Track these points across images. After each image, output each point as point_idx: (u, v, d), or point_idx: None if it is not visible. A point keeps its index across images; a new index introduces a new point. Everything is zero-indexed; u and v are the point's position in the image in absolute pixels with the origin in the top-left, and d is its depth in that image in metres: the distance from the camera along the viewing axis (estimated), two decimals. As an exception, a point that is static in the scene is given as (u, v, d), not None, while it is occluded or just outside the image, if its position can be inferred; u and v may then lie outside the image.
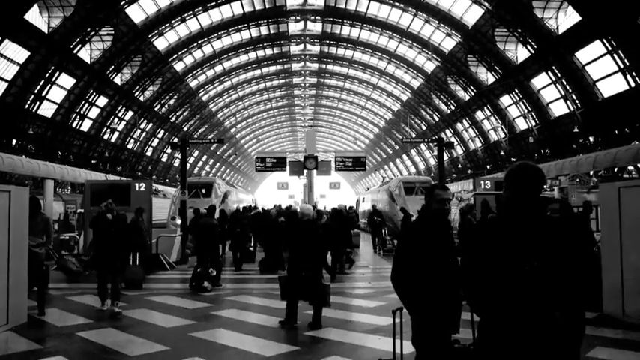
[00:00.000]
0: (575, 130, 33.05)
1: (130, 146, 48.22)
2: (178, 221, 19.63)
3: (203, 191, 26.04)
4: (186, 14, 37.33)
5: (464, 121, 49.11)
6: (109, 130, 42.88)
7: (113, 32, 34.38)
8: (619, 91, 28.35)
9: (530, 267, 2.50)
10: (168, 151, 55.11)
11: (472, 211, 13.41)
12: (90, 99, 37.74)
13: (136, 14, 34.76)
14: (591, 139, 32.61)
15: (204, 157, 69.64)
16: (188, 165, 49.59)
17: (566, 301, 2.51)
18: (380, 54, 47.06)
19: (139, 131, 48.62)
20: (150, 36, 37.41)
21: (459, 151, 52.60)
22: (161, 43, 39.66)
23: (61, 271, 12.86)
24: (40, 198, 27.30)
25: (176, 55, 42.29)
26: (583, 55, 30.41)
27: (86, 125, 39.43)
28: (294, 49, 48.85)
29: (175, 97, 49.28)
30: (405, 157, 68.66)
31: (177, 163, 55.32)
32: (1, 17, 25.03)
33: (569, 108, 33.25)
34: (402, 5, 37.52)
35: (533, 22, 31.30)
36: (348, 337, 7.33)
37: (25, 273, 8.15)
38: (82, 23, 31.26)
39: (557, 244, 2.56)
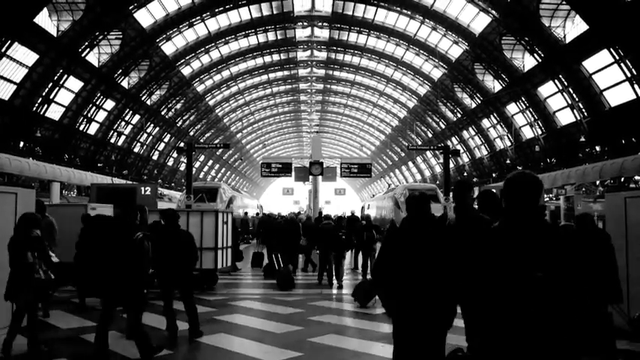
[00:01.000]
0: (582, 139, 32.94)
1: (136, 150, 48.38)
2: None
3: (208, 196, 26.11)
4: (194, 19, 37.49)
5: (470, 128, 49.03)
6: (115, 133, 43.03)
7: (121, 36, 34.58)
8: (626, 100, 28.21)
9: (533, 278, 2.48)
10: (174, 155, 55.24)
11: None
12: (97, 102, 37.92)
13: (145, 19, 34.96)
14: (598, 148, 32.48)
15: (210, 162, 69.76)
16: (194, 169, 49.75)
17: (569, 310, 2.48)
18: (387, 61, 47.12)
19: (145, 135, 48.78)
20: (158, 40, 37.59)
21: (465, 158, 52.50)
22: (169, 48, 39.87)
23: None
24: (46, 200, 27.43)
25: (183, 60, 42.47)
26: (590, 64, 30.35)
27: (93, 128, 39.62)
28: (301, 55, 48.99)
29: (182, 101, 49.47)
30: (410, 164, 68.61)
31: (183, 167, 55.50)
32: (11, 20, 25.21)
33: (575, 117, 33.14)
34: (409, 12, 37.58)
35: (540, 31, 31.27)
36: (351, 344, 7.32)
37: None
38: (90, 27, 31.47)
39: (561, 254, 2.54)
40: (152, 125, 48.71)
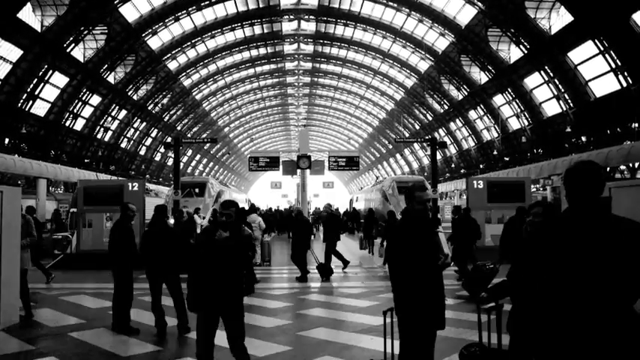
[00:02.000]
0: (568, 129, 33.21)
1: (123, 145, 48.08)
2: (171, 221, 19.59)
3: (196, 190, 26.01)
4: (179, 13, 37.23)
5: (457, 120, 49.27)
6: (102, 129, 42.73)
7: (107, 31, 34.24)
8: (611, 90, 28.55)
9: (596, 272, 2.41)
10: (162, 150, 55.00)
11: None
12: (83, 98, 37.56)
13: (130, 13, 34.73)
14: (584, 138, 32.80)
15: (198, 156, 69.53)
16: (181, 164, 49.60)
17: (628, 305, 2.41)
18: (373, 53, 47.15)
19: (132, 130, 48.48)
20: (143, 35, 37.32)
21: (452, 150, 52.77)
22: (155, 42, 39.63)
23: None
24: (33, 197, 27.18)
25: (170, 55, 42.21)
26: (575, 55, 30.65)
27: (79, 124, 39.28)
28: (288, 48, 48.84)
29: (169, 96, 49.19)
30: (398, 156, 68.81)
31: (170, 162, 55.20)
32: (-6, 16, 24.93)
33: (561, 108, 33.43)
34: (395, 5, 37.59)
35: (525, 23, 31.45)
36: (339, 337, 7.37)
37: (17, 273, 8.14)
38: (75, 22, 31.13)
39: (626, 248, 2.44)
40: (139, 120, 48.41)
